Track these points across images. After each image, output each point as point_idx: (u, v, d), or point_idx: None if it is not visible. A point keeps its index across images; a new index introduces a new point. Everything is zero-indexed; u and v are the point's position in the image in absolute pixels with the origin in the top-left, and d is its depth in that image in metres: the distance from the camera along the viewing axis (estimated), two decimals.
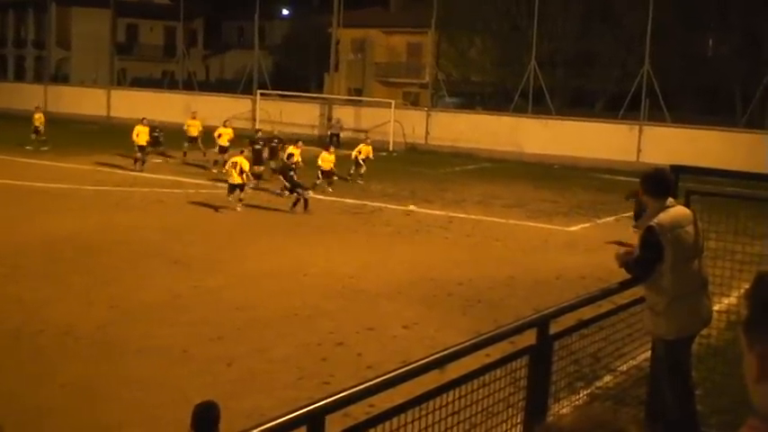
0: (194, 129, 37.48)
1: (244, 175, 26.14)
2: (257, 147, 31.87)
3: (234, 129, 36.51)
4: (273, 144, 33.40)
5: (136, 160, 33.67)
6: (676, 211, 7.62)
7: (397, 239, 22.65)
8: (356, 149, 33.98)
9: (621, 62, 53.10)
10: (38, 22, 79.78)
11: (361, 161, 33.54)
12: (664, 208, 7.54)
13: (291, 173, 26.62)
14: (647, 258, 7.47)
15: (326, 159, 30.55)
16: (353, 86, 68.75)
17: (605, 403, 8.49)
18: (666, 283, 7.45)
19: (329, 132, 46.99)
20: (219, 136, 35.24)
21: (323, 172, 30.49)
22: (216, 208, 25.71)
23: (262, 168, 30.96)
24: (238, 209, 25.77)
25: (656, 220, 7.47)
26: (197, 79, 61.71)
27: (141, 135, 34.00)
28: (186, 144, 37.20)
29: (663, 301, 7.52)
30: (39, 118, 39.41)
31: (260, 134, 34.84)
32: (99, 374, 11.83)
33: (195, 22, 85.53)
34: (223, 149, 34.35)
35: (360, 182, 32.78)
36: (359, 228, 24.04)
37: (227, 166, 27.01)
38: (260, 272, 18.13)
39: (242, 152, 27.60)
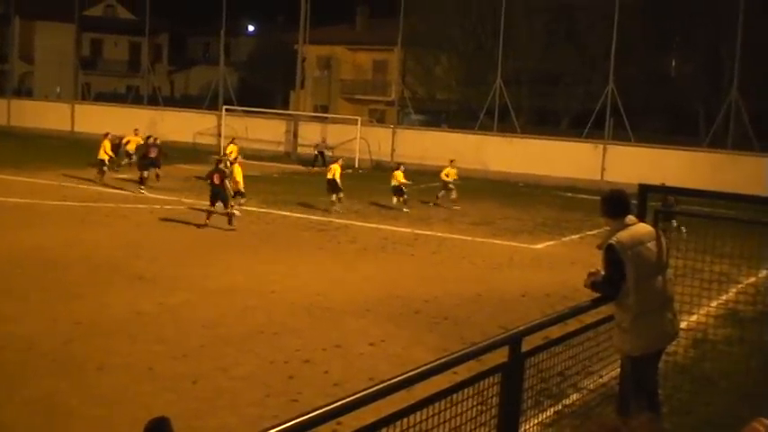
0: (133, 145, 38.67)
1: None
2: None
3: (196, 144, 37.54)
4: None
5: (101, 172, 34.27)
6: (637, 228, 7.69)
7: (363, 256, 22.61)
8: (443, 172, 33.33)
9: (586, 81, 53.54)
10: (1, 35, 79.14)
11: (450, 185, 32.98)
12: (624, 226, 7.61)
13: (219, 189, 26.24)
14: (612, 276, 7.53)
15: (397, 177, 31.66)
16: (319, 103, 68.75)
17: (573, 422, 8.49)
18: (631, 300, 7.52)
19: (316, 152, 46.98)
20: (128, 143, 38.26)
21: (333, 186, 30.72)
22: (200, 225, 25.61)
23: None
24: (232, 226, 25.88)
25: (615, 239, 7.55)
26: (162, 95, 61.51)
27: (104, 149, 34.54)
28: (126, 160, 38.16)
29: (628, 317, 7.58)
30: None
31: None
32: (62, 391, 11.68)
33: (160, 37, 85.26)
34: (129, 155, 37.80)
35: (456, 207, 32.14)
36: (325, 244, 23.98)
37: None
38: (225, 288, 18.01)
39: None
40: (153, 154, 34.06)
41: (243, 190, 28.50)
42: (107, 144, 34.86)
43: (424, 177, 41.78)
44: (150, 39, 62.92)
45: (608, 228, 7.86)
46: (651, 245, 7.64)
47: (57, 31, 72.38)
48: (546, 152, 43.81)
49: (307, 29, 54.31)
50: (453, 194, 32.83)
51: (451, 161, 34.38)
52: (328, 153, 45.09)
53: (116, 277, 18.56)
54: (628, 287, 7.48)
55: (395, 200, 31.86)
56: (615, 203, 7.77)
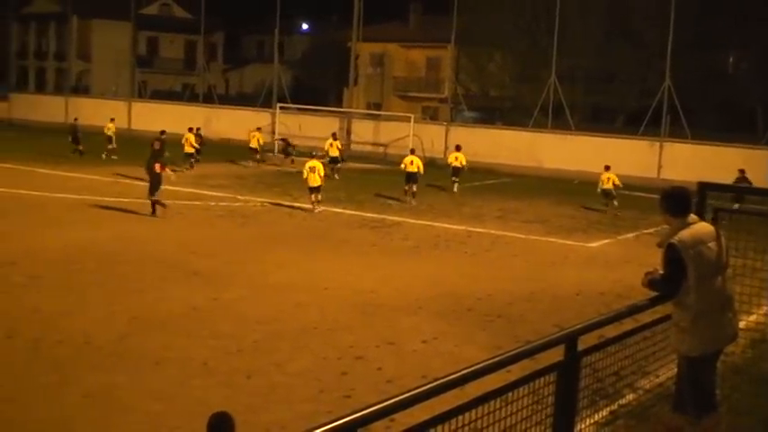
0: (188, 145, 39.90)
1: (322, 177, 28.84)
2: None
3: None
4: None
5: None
6: (698, 227, 7.57)
7: (415, 254, 22.58)
8: (602, 180, 31.88)
9: (641, 78, 53.03)
10: (59, 33, 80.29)
11: (611, 191, 31.65)
12: (685, 225, 7.49)
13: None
14: (672, 275, 7.42)
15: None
16: (372, 101, 68.81)
17: (628, 422, 8.40)
18: (691, 300, 7.40)
19: (279, 143, 48.61)
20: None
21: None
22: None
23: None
24: (317, 210, 27.68)
25: (677, 237, 7.43)
26: (217, 92, 61.97)
27: (188, 143, 38.65)
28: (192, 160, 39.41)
29: (687, 317, 7.46)
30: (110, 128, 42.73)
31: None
32: (119, 386, 11.80)
33: (215, 36, 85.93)
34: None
35: (618, 213, 31.09)
36: (378, 242, 23.99)
37: (305, 172, 28.66)
38: (279, 285, 18.09)
39: (313, 155, 30.37)
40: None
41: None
42: (191, 137, 38.67)
43: (477, 175, 41.72)
44: (205, 37, 63.44)
45: (667, 226, 7.74)
46: (712, 244, 7.52)
47: (113, 29, 73.25)
48: (601, 150, 43.37)
49: (360, 27, 54.43)
50: (615, 201, 31.57)
51: (607, 167, 32.29)
52: (292, 152, 45.04)
53: (172, 273, 18.73)
54: (688, 286, 7.36)
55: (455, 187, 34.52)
56: (677, 201, 7.65)
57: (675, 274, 7.39)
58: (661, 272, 7.55)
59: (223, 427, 7.22)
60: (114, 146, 41.75)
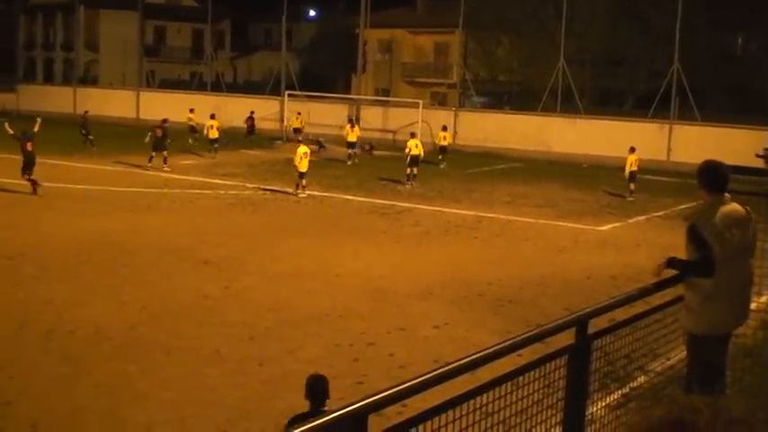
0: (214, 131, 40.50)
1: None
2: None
3: (261, 129, 39.44)
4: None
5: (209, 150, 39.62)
6: (730, 208, 7.37)
7: (426, 240, 22.59)
8: (628, 163, 31.45)
9: (650, 60, 52.80)
10: (66, 24, 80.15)
11: (633, 174, 31.43)
12: (719, 203, 7.33)
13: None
14: (704, 256, 7.25)
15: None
16: (381, 87, 68.69)
17: (641, 404, 8.40)
18: (706, 282, 7.28)
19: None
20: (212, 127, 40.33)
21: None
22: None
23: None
24: (303, 195, 28.43)
25: (703, 218, 7.30)
26: (225, 81, 61.97)
27: (212, 129, 39.72)
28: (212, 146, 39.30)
29: (699, 296, 7.38)
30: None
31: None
32: (131, 374, 11.86)
33: (222, 24, 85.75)
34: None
35: (630, 199, 30.82)
36: (388, 228, 24.01)
37: (298, 157, 29.08)
38: (290, 273, 18.13)
39: (300, 141, 31.78)
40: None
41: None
42: (215, 123, 39.80)
43: (486, 160, 41.71)
44: (212, 25, 63.40)
45: (701, 201, 7.57)
46: (741, 227, 7.38)
47: (120, 18, 73.12)
48: (610, 133, 43.28)
49: (368, 13, 54.31)
50: (632, 186, 31.32)
51: (632, 149, 31.88)
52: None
53: (182, 262, 18.78)
54: None
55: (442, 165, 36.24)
56: (715, 177, 7.41)
57: (706, 254, 7.22)
58: (674, 256, 7.43)
59: (319, 386, 8.01)
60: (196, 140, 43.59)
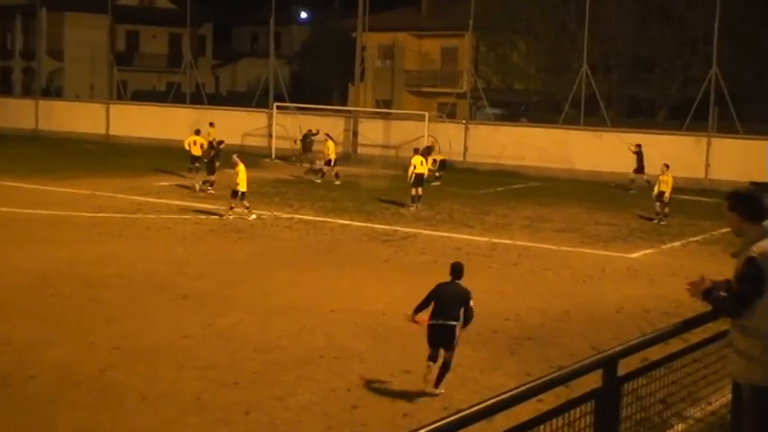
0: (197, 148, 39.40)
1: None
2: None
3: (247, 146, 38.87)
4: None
5: (190, 169, 37.73)
6: None
7: (433, 269, 22.46)
8: (661, 181, 31.19)
9: (685, 65, 52.88)
10: (26, 29, 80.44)
11: (665, 197, 31.03)
12: (764, 234, 7.23)
13: None
14: (745, 293, 7.11)
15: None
16: (381, 97, 68.77)
17: None
18: (761, 323, 7.13)
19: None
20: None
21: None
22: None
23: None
24: (251, 217, 28.92)
25: (757, 250, 7.14)
26: (206, 92, 62.11)
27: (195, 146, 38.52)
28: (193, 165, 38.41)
29: (759, 343, 7.13)
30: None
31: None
32: (101, 425, 11.83)
33: (203, 28, 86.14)
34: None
35: (663, 223, 30.64)
36: (391, 257, 24.00)
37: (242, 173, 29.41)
38: (279, 308, 18.10)
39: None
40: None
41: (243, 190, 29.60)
42: (200, 139, 39.07)
43: (501, 179, 41.75)
44: (192, 30, 63.76)
45: (729, 228, 7.50)
46: None
47: (88, 23, 73.36)
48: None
49: (366, 14, 54.44)
50: (667, 209, 31.18)
51: (666, 165, 31.69)
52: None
53: (159, 297, 18.76)
54: (760, 306, 7.05)
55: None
56: (756, 205, 7.35)
57: (749, 293, 7.10)
58: (714, 281, 7.34)
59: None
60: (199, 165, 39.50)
